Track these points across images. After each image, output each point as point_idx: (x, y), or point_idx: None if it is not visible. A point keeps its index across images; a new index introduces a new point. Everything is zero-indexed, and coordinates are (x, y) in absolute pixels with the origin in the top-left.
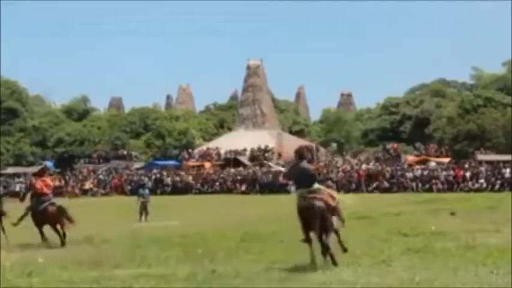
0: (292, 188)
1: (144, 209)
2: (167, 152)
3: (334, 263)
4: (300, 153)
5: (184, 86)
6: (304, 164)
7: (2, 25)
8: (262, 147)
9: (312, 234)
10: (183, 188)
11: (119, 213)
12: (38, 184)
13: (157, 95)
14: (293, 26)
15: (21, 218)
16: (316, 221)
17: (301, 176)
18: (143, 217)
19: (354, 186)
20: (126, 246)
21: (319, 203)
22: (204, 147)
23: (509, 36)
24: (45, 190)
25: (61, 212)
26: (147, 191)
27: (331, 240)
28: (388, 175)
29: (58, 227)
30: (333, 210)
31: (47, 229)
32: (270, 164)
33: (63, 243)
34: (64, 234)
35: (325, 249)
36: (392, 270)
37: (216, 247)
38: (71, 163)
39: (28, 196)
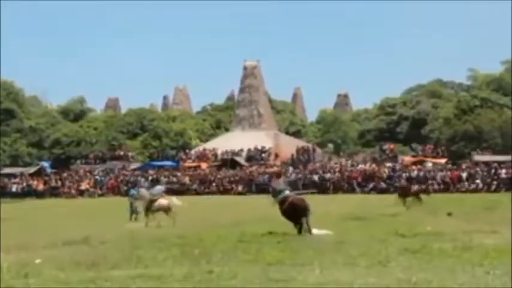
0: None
1: (134, 210)
2: (164, 153)
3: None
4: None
5: (181, 87)
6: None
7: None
8: (259, 147)
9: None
10: (179, 189)
11: (115, 214)
12: None
13: (154, 95)
14: (290, 26)
15: None
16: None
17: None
18: (133, 217)
19: (349, 187)
20: (123, 246)
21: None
22: (201, 148)
23: (507, 37)
24: None
25: None
26: (136, 191)
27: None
28: (385, 176)
29: None
30: None
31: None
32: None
33: None
34: None
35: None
36: (389, 270)
37: (213, 248)
38: (68, 164)
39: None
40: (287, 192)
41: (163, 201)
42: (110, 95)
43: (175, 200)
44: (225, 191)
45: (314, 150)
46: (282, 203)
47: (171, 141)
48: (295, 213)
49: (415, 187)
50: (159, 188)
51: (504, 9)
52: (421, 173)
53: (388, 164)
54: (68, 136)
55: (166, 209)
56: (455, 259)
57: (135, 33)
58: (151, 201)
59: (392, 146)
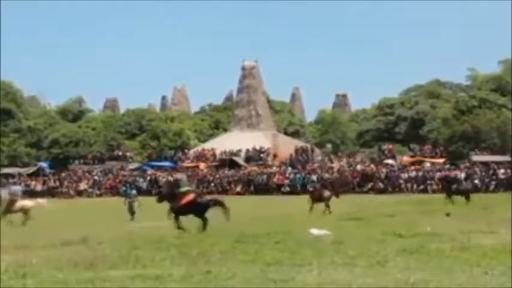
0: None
1: (131, 209)
2: (162, 153)
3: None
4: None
5: (179, 87)
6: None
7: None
8: (258, 148)
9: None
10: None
11: (113, 214)
12: None
13: (153, 96)
14: (289, 27)
15: None
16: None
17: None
18: (133, 217)
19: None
20: (121, 247)
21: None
22: (199, 148)
23: (507, 37)
24: None
25: None
26: (134, 191)
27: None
28: (383, 176)
29: None
30: None
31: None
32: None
33: None
34: None
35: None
36: (387, 271)
37: (211, 248)
38: (66, 164)
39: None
40: (187, 188)
41: (28, 202)
42: (109, 95)
43: (40, 201)
44: (224, 191)
45: (313, 150)
46: (176, 198)
47: (170, 141)
48: (195, 210)
49: (326, 193)
50: (17, 188)
51: (504, 9)
52: (420, 173)
53: (390, 161)
54: (66, 136)
55: (28, 211)
56: (453, 259)
57: (134, 33)
58: (12, 202)
59: (390, 146)
